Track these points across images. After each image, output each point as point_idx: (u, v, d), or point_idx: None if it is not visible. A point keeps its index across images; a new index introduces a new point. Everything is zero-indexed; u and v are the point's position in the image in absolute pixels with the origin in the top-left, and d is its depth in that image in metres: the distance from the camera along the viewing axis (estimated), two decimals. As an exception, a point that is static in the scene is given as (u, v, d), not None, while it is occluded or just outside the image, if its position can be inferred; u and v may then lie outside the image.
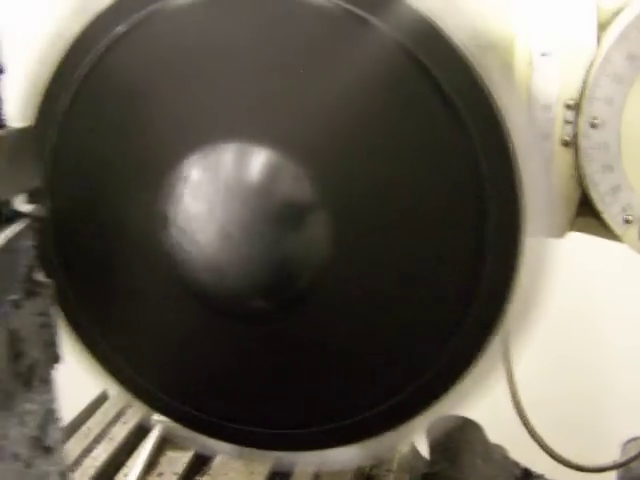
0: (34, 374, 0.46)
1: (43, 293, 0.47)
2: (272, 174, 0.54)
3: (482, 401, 0.66)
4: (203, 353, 0.64)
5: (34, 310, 0.46)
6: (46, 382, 0.47)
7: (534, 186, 0.56)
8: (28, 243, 0.46)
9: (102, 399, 0.95)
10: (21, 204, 0.47)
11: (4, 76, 0.44)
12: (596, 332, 1.74)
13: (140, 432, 0.86)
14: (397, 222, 0.55)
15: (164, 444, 0.83)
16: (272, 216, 0.55)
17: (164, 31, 0.53)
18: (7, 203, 0.45)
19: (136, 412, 0.80)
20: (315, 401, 0.64)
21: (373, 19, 0.50)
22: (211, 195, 0.55)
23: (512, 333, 0.80)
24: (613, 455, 0.99)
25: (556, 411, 1.60)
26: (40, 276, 0.47)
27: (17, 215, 0.46)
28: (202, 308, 0.60)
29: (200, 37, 0.53)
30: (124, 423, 0.89)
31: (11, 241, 0.43)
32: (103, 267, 0.62)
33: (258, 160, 0.54)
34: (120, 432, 0.88)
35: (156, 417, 0.75)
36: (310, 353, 0.61)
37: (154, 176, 0.57)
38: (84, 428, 0.90)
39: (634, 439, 1.00)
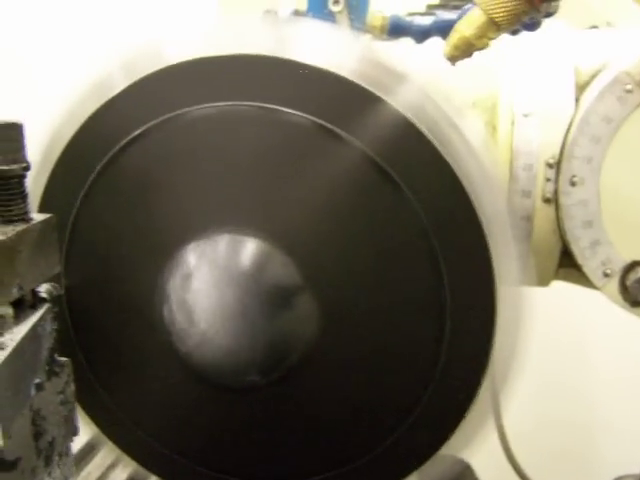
0: (54, 449, 0.49)
1: (63, 372, 0.50)
2: (261, 262, 0.59)
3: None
4: (197, 420, 0.67)
5: (54, 389, 0.49)
6: (65, 455, 0.50)
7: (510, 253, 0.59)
8: (50, 327, 0.49)
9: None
10: (41, 287, 0.50)
11: (29, 173, 0.47)
12: (584, 364, 1.76)
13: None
14: (372, 303, 0.61)
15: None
16: (263, 299, 0.60)
17: (172, 137, 0.60)
18: (32, 292, 0.48)
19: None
20: (304, 460, 0.67)
21: (342, 133, 0.57)
22: (206, 280, 0.60)
23: (499, 378, 0.84)
24: None
25: (544, 442, 1.61)
26: (60, 357, 0.50)
27: (39, 299, 0.49)
28: (197, 380, 0.64)
29: (201, 145, 0.60)
30: (124, 467, 0.90)
31: (35, 327, 0.46)
32: (109, 337, 0.66)
33: (248, 249, 0.60)
34: (119, 478, 0.90)
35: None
36: (298, 418, 0.66)
37: (158, 258, 0.62)
38: (84, 473, 0.92)
39: (623, 477, 1.01)
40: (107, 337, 0.66)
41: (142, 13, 1.71)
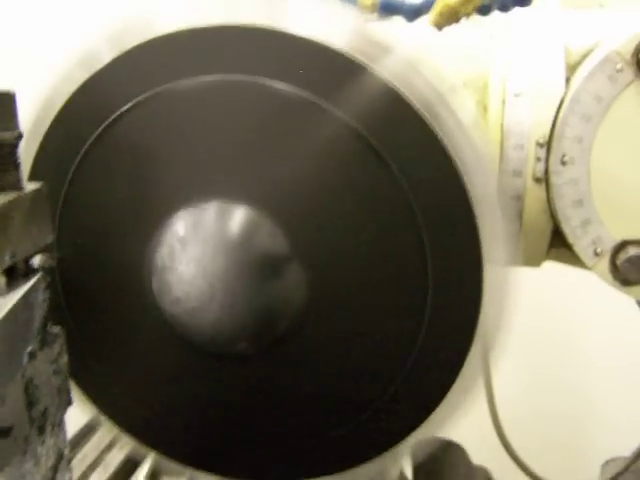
0: (47, 419, 0.49)
1: (55, 342, 0.50)
2: (249, 230, 0.60)
3: (464, 422, 0.70)
4: (190, 391, 0.68)
5: (47, 359, 0.49)
6: (58, 426, 0.50)
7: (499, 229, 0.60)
8: (42, 296, 0.49)
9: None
10: (34, 259, 0.50)
11: (22, 142, 0.47)
12: (576, 351, 1.76)
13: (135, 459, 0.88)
14: (358, 275, 0.62)
15: (158, 471, 0.85)
16: (251, 268, 0.60)
17: (161, 110, 0.60)
18: (24, 260, 0.48)
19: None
20: (289, 427, 0.68)
21: (329, 105, 0.58)
22: (194, 248, 0.61)
23: (491, 355, 0.84)
24: (594, 475, 1.02)
25: (537, 431, 1.62)
26: (53, 326, 0.50)
27: (31, 270, 0.49)
28: (188, 350, 0.64)
29: (189, 117, 0.61)
30: (121, 448, 0.90)
31: (27, 296, 0.47)
32: (101, 309, 0.66)
33: (236, 217, 0.60)
34: (115, 459, 0.90)
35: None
36: (285, 386, 0.67)
37: (147, 227, 0.63)
38: (80, 455, 0.92)
39: (613, 459, 1.01)
40: (98, 308, 0.66)
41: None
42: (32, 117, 0.64)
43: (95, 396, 0.72)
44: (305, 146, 0.59)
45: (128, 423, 0.74)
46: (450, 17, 0.63)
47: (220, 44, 0.59)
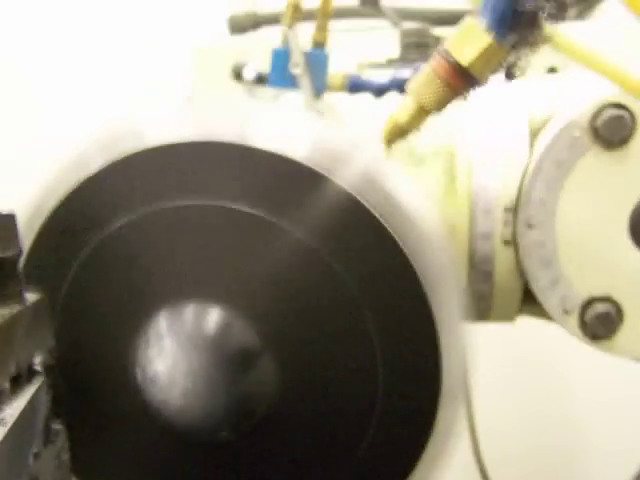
0: (51, 512, 0.52)
1: (58, 438, 0.53)
2: (224, 329, 0.65)
3: (449, 469, 0.73)
4: (176, 478, 0.72)
5: (50, 455, 0.52)
6: (62, 517, 0.53)
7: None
8: (45, 397, 0.52)
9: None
10: (35, 359, 0.53)
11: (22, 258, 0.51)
12: (562, 386, 1.78)
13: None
14: (320, 366, 0.67)
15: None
16: (227, 363, 0.65)
17: (145, 227, 0.66)
18: (28, 365, 0.51)
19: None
20: None
21: (283, 222, 0.64)
22: (173, 345, 0.65)
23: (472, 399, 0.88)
24: None
25: (523, 467, 1.64)
26: (55, 424, 0.53)
27: (33, 372, 0.53)
28: (173, 439, 0.69)
29: (169, 234, 0.66)
30: None
31: (32, 400, 0.50)
32: (94, 403, 0.70)
33: (212, 317, 0.65)
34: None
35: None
36: (263, 465, 0.70)
37: (132, 323, 0.67)
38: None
39: None
40: (91, 402, 0.70)
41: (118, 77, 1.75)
42: (23, 218, 0.67)
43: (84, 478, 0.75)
44: (267, 259, 0.65)
45: None
46: (400, 135, 0.68)
47: (191, 168, 0.65)
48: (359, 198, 0.63)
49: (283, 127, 0.67)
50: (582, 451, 1.80)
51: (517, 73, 0.62)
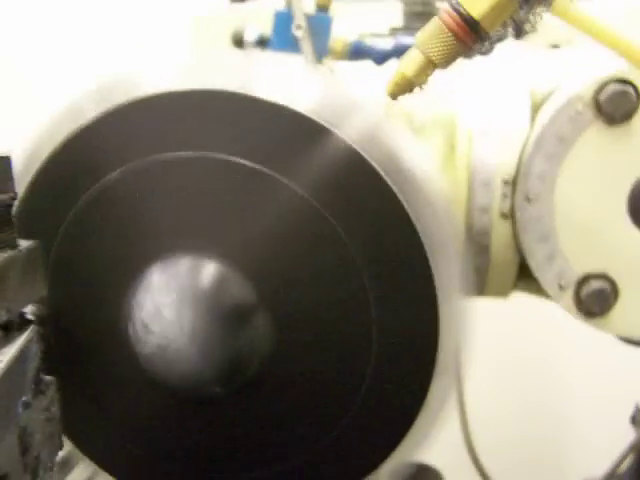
0: (39, 464, 0.51)
1: (48, 390, 0.52)
2: (220, 283, 0.64)
3: (439, 447, 0.73)
4: (166, 433, 0.71)
5: (40, 406, 0.51)
6: (50, 469, 0.52)
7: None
8: (36, 347, 0.51)
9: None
10: (27, 309, 0.52)
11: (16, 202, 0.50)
12: (551, 373, 1.78)
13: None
14: (317, 319, 0.66)
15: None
16: (222, 318, 0.64)
17: (142, 178, 0.65)
18: (19, 314, 0.50)
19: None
20: (268, 465, 0.71)
21: (281, 176, 0.63)
22: (168, 299, 0.64)
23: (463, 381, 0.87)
24: None
25: (512, 453, 1.64)
26: (45, 376, 0.52)
27: (25, 321, 0.51)
28: (165, 395, 0.67)
29: (165, 185, 0.66)
30: None
31: (22, 348, 0.49)
32: (85, 356, 0.69)
33: (208, 271, 0.64)
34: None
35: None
36: (253, 423, 0.70)
37: (126, 276, 0.66)
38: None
39: None
40: (82, 355, 0.69)
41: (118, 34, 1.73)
42: (18, 167, 0.66)
43: (73, 433, 0.73)
44: (265, 212, 0.64)
45: (107, 461, 0.76)
46: (405, 88, 0.67)
47: (189, 119, 0.64)
48: (363, 154, 0.62)
49: (287, 79, 0.66)
50: (568, 440, 1.80)
51: (527, 30, 0.61)
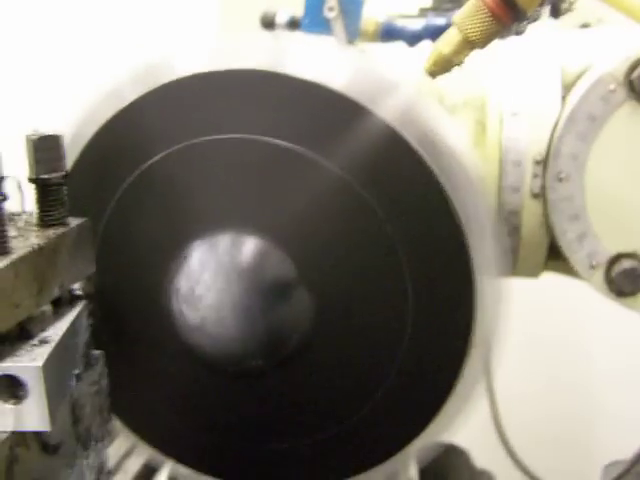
0: (90, 436, 0.53)
1: (97, 364, 0.53)
2: (260, 258, 0.66)
3: (467, 427, 0.73)
4: (206, 405, 0.73)
5: (90, 380, 0.53)
6: (100, 441, 0.54)
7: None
8: (85, 322, 0.52)
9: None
10: (77, 286, 0.53)
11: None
12: (579, 354, 1.77)
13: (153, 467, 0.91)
14: (356, 296, 0.68)
15: (175, 478, 0.88)
16: (263, 293, 0.66)
17: (184, 159, 0.67)
18: (69, 290, 0.51)
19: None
20: (293, 431, 0.73)
21: (319, 157, 0.64)
22: (210, 274, 0.66)
23: (492, 361, 0.88)
24: (596, 478, 1.04)
25: (540, 434, 1.64)
26: (94, 349, 0.53)
27: (74, 297, 0.53)
28: (205, 368, 0.69)
29: (207, 166, 0.67)
30: (139, 455, 0.91)
31: (74, 323, 0.50)
32: (129, 331, 0.71)
33: (248, 247, 0.66)
34: (134, 465, 0.92)
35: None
36: (294, 396, 0.72)
37: (170, 254, 0.68)
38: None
39: (615, 462, 1.04)
40: (127, 331, 0.70)
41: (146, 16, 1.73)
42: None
43: (115, 405, 0.75)
44: (305, 192, 0.65)
45: (147, 433, 0.77)
46: (444, 66, 0.68)
47: (225, 100, 0.65)
48: (400, 132, 0.62)
49: (321, 59, 0.66)
50: (597, 419, 1.80)
51: (564, 9, 0.61)
